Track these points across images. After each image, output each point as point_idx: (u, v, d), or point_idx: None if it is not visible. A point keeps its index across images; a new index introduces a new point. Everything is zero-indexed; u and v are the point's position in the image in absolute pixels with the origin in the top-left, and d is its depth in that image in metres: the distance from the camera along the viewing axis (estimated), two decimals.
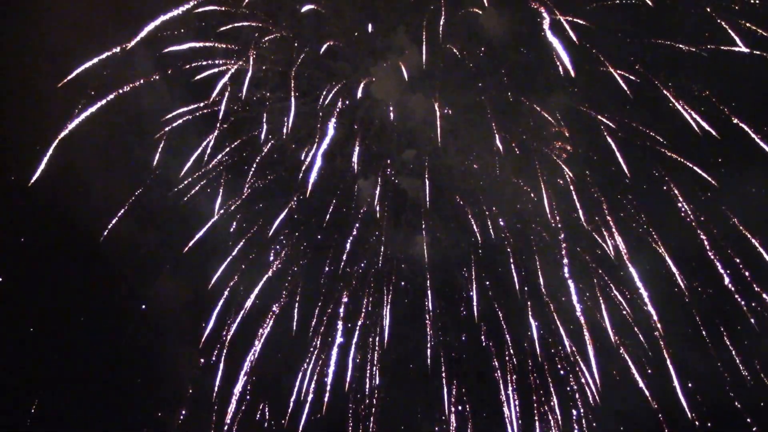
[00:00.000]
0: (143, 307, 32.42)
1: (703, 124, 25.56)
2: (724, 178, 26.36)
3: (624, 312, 29.10)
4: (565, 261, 29.04)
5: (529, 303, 30.26)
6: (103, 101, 28.68)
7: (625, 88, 25.93)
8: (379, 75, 32.54)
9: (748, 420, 28.26)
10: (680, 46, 26.30)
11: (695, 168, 26.56)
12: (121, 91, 29.24)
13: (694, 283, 28.05)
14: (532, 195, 29.43)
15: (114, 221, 30.27)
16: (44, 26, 30.23)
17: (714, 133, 25.27)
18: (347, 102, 32.40)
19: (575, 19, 26.21)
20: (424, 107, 31.92)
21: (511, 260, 30.12)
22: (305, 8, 31.11)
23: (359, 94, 31.96)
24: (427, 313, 31.95)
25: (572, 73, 25.79)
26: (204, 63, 30.86)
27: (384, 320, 31.75)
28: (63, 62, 28.99)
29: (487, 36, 28.75)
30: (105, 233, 29.61)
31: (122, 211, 30.13)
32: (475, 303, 30.84)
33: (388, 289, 32.34)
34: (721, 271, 27.30)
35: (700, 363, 27.92)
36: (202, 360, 31.57)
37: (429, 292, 31.90)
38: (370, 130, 33.08)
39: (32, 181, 27.76)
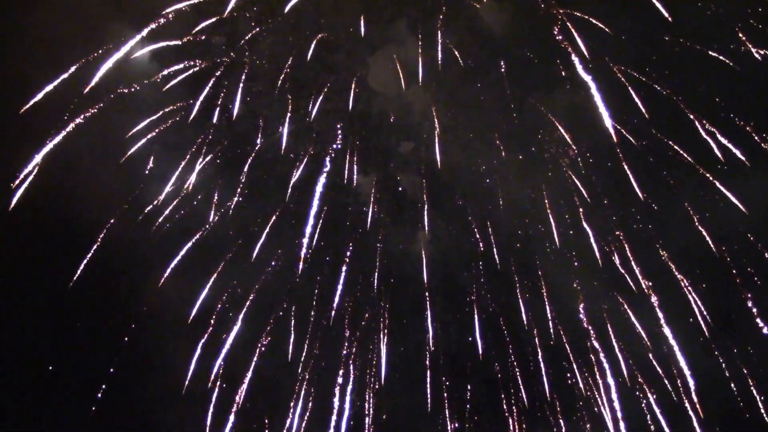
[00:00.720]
0: (144, 308, 32.13)
1: (724, 141, 24.70)
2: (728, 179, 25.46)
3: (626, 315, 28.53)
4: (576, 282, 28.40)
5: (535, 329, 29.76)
6: (101, 105, 28.59)
7: (631, 92, 25.05)
8: (376, 68, 32.02)
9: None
10: (687, 42, 25.31)
11: (725, 191, 25.68)
12: (116, 89, 29.09)
13: (701, 286, 27.35)
14: (534, 197, 28.73)
15: (108, 219, 30.13)
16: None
17: (741, 156, 24.40)
18: (344, 95, 31.63)
19: (575, 12, 25.26)
20: (422, 100, 31.41)
21: (513, 266, 29.54)
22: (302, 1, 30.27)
23: (356, 88, 31.41)
24: (425, 312, 31.42)
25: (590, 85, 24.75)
26: (198, 59, 30.49)
27: (383, 321, 31.34)
28: (57, 57, 28.75)
29: (487, 30, 27.84)
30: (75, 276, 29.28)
31: (114, 218, 30.06)
32: (478, 335, 30.36)
33: (387, 288, 31.83)
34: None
35: (711, 375, 27.30)
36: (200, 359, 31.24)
37: (427, 293, 31.34)
38: (367, 124, 32.43)
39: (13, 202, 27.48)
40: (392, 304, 31.54)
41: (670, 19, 24.06)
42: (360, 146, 31.83)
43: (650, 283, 27.78)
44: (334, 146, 31.63)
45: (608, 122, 25.40)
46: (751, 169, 25.26)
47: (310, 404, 30.71)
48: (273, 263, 31.54)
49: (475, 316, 30.92)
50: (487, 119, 29.30)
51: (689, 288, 27.12)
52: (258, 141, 31.53)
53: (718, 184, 26.08)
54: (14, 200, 27.47)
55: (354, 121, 31.95)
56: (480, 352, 30.56)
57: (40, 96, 27.43)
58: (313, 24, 31.29)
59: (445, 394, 30.98)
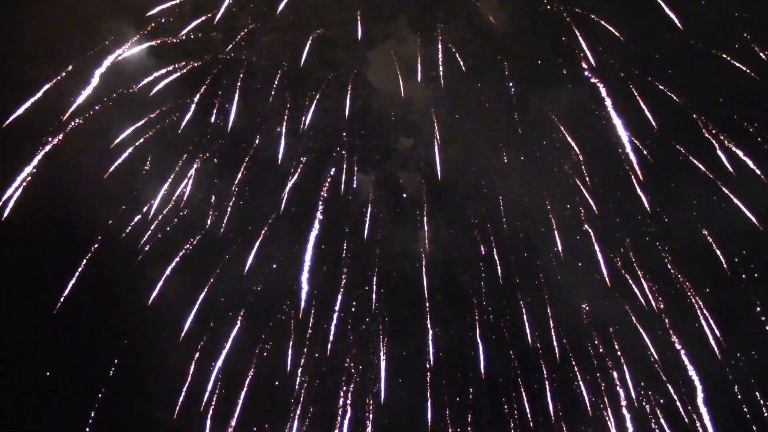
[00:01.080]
0: (142, 311, 31.94)
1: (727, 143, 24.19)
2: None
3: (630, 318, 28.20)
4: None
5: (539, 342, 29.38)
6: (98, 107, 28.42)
7: (634, 92, 24.49)
8: (376, 64, 31.79)
9: None
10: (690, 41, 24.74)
11: (732, 196, 25.09)
12: (114, 88, 28.86)
13: (705, 289, 26.88)
14: (536, 198, 28.31)
15: (106, 221, 29.85)
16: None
17: (744, 158, 23.86)
18: (343, 92, 31.21)
19: (576, 9, 24.75)
20: (422, 98, 31.12)
21: (514, 268, 29.15)
22: None
23: (355, 84, 31.19)
24: (425, 313, 31.13)
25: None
26: (195, 57, 30.23)
27: (383, 322, 31.08)
28: (53, 57, 28.60)
29: (488, 28, 27.41)
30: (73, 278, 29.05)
31: (111, 219, 29.79)
32: (479, 337, 30.00)
33: (387, 289, 31.49)
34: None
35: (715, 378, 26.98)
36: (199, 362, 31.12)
37: (426, 292, 30.99)
38: (367, 121, 32.05)
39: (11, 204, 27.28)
40: (392, 305, 31.36)
41: (679, 25, 23.56)
42: (359, 144, 31.60)
43: (655, 287, 27.51)
44: (334, 145, 31.33)
45: (623, 134, 24.96)
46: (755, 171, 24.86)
47: (311, 408, 30.64)
48: (274, 265, 31.35)
49: (476, 318, 30.71)
50: (488, 118, 28.98)
51: (692, 291, 26.85)
52: (256, 139, 31.21)
53: (719, 184, 25.74)
54: (12, 201, 27.29)
55: (353, 119, 31.69)
56: (481, 354, 30.40)
57: (38, 96, 27.21)
58: (312, 20, 30.96)
59: (446, 398, 30.86)
